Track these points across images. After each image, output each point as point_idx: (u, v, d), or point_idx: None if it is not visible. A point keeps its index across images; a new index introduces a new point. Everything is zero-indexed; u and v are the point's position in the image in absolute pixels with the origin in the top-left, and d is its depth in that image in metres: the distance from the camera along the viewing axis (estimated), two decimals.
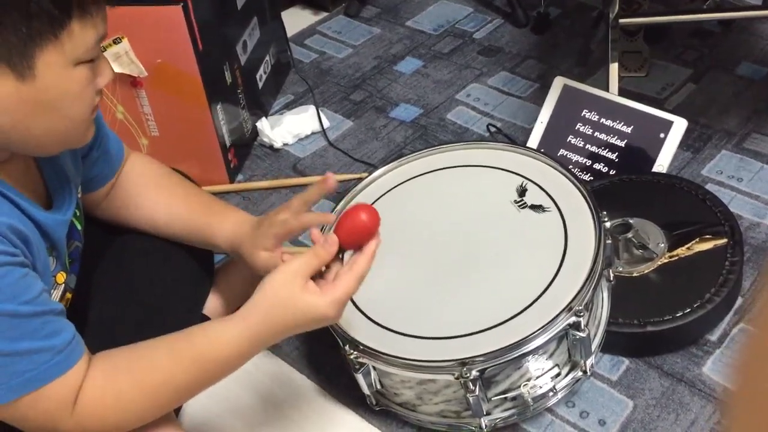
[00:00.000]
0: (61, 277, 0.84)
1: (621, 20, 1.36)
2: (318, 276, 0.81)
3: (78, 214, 0.90)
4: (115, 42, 1.20)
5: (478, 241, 0.99)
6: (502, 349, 0.85)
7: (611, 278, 1.01)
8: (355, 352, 0.90)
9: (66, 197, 0.84)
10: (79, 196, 0.90)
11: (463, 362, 0.85)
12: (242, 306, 0.81)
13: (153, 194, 1.01)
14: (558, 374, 0.92)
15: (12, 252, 0.70)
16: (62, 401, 0.72)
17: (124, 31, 1.20)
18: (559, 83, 1.34)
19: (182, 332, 0.81)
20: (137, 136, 1.34)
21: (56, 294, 0.84)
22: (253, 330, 0.79)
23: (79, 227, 0.90)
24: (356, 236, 0.81)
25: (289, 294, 0.78)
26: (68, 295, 0.88)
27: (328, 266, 0.82)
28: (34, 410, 0.71)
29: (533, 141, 1.34)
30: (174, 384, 0.78)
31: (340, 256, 0.83)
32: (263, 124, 1.48)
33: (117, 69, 1.22)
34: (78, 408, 0.73)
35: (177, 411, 1.01)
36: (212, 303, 1.12)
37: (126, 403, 0.76)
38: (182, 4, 1.18)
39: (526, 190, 1.03)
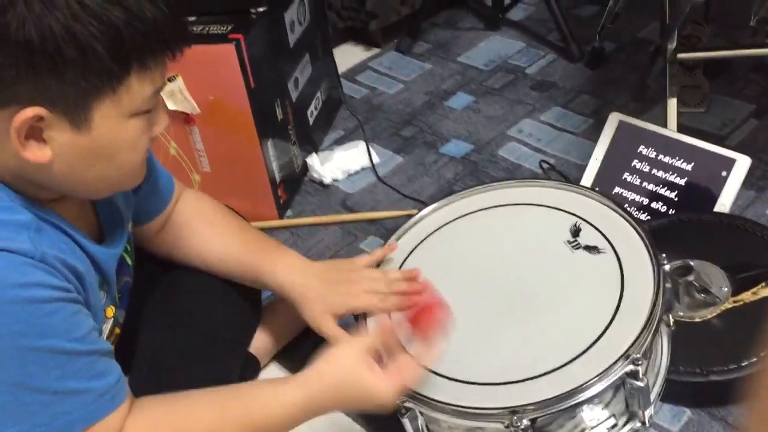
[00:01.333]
0: (111, 311, 0.85)
1: (680, 55, 1.33)
2: (377, 356, 0.81)
3: (129, 249, 0.90)
4: (170, 80, 1.22)
5: (530, 283, 0.96)
6: (555, 397, 0.81)
7: (671, 324, 0.96)
8: (401, 397, 0.87)
9: (118, 231, 0.85)
10: (130, 230, 0.91)
11: (513, 410, 0.81)
12: (301, 372, 0.80)
13: (207, 231, 1.01)
14: (614, 425, 0.87)
15: (65, 287, 0.70)
16: None
17: (178, 69, 1.22)
18: (614, 119, 1.31)
19: (232, 388, 0.81)
20: (189, 172, 1.35)
21: (105, 328, 0.84)
22: (309, 398, 0.78)
23: (129, 262, 0.91)
24: (426, 330, 0.83)
25: (355, 371, 0.77)
26: (117, 330, 0.89)
27: (388, 349, 0.83)
28: None
29: (587, 178, 1.30)
30: None
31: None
32: (313, 160, 1.48)
33: (171, 106, 1.24)
34: None
35: None
36: (259, 340, 1.12)
37: None
38: (235, 42, 1.20)
39: (580, 230, 1.00)
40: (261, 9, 1.27)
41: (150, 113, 0.72)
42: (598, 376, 0.81)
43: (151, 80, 0.69)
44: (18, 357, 0.66)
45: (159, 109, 0.74)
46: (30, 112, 0.64)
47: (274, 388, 0.79)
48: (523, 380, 0.85)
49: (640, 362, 0.83)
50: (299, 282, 0.97)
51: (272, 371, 1.14)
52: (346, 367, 0.78)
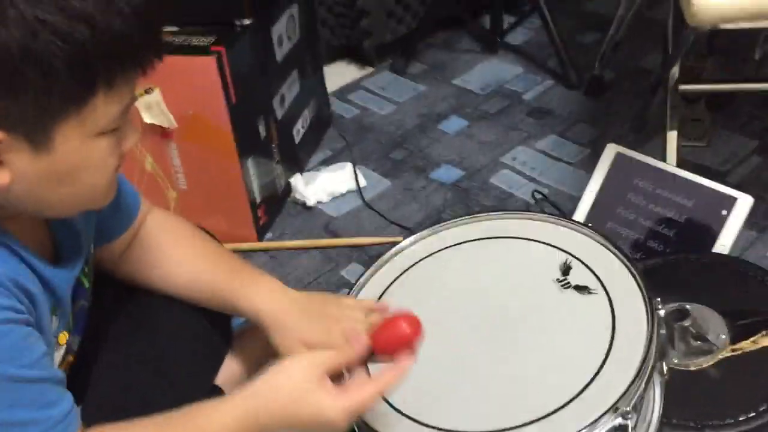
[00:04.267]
0: (63, 338, 0.80)
1: (682, 86, 1.28)
2: (336, 379, 0.75)
3: (87, 271, 0.85)
4: (147, 92, 1.17)
5: (515, 323, 0.90)
6: None
7: (664, 372, 0.90)
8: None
9: (74, 251, 0.80)
10: (91, 251, 0.85)
11: None
12: (247, 384, 0.74)
13: (176, 253, 0.96)
14: None
15: (17, 308, 0.65)
16: None
17: (156, 81, 1.17)
18: (611, 151, 1.26)
19: (179, 411, 0.75)
20: (165, 188, 1.30)
21: (57, 356, 0.79)
22: (250, 413, 0.72)
23: (86, 285, 0.85)
24: (392, 345, 0.76)
25: (302, 384, 0.71)
26: (70, 358, 0.83)
27: (350, 370, 0.76)
28: None
29: (581, 211, 1.25)
30: None
31: (367, 363, 0.77)
32: (297, 181, 1.43)
33: (147, 119, 1.20)
34: None
35: None
36: (228, 371, 1.05)
37: None
38: (216, 55, 1.15)
39: (570, 267, 0.95)
40: (246, 21, 1.22)
41: (118, 130, 0.67)
42: (583, 429, 0.76)
43: (119, 99, 0.64)
44: None
45: (128, 124, 0.69)
46: None
47: (217, 404, 0.74)
48: (503, 430, 0.79)
49: (629, 416, 0.77)
50: (278, 308, 0.91)
51: None
52: (294, 380, 0.72)
